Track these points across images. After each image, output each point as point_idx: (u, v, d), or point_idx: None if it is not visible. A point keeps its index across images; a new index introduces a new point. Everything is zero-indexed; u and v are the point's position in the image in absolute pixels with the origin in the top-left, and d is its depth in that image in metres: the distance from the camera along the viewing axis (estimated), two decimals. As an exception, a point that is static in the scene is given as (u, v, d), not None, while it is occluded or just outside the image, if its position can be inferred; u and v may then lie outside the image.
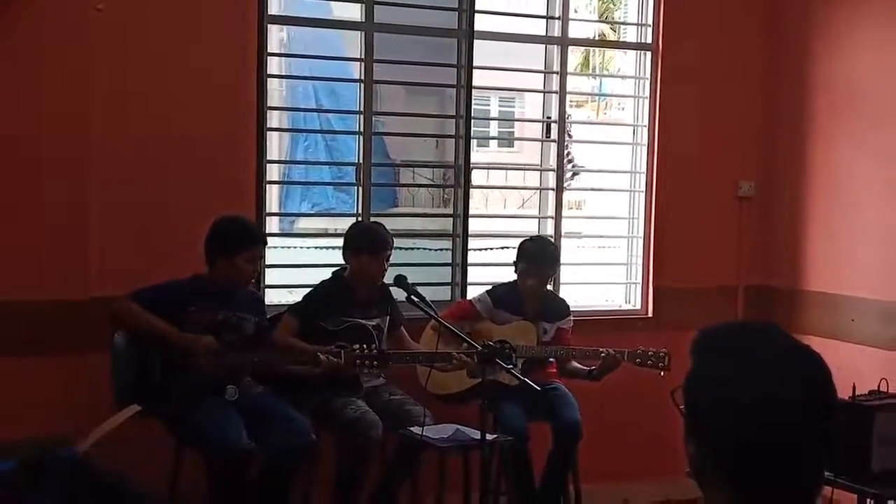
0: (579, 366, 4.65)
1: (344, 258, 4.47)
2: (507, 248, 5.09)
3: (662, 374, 4.40)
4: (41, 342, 4.24)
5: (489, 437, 3.85)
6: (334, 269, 4.54)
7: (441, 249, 5.20)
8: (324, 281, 4.51)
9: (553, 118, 5.32)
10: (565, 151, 5.40)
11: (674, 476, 4.17)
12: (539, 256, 4.66)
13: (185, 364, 3.98)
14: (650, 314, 5.46)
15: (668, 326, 5.05)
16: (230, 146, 4.57)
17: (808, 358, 1.51)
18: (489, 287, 4.80)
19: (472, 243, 5.17)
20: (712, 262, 5.51)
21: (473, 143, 5.17)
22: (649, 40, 5.44)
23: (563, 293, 5.10)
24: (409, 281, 4.08)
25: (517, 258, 4.70)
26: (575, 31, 5.47)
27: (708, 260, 5.49)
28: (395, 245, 4.49)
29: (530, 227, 5.45)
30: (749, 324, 1.68)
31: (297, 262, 5.17)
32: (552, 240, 5.11)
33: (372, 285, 4.44)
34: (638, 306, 5.51)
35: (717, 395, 1.49)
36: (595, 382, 4.57)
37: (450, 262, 5.12)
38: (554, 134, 5.33)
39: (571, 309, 4.85)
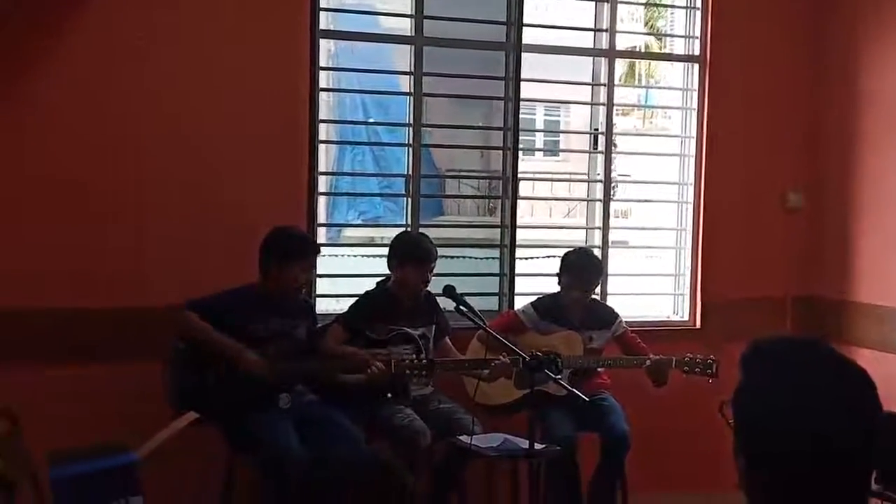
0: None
1: (389, 268, 4.52)
2: (553, 257, 5.10)
3: (710, 380, 4.40)
4: (100, 350, 4.34)
5: (537, 446, 3.87)
6: (378, 278, 4.60)
7: (488, 258, 5.22)
8: (369, 291, 4.56)
9: (600, 129, 5.35)
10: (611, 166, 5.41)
11: (723, 489, 4.16)
12: (583, 269, 4.67)
13: (240, 373, 4.06)
14: (698, 325, 5.45)
15: (717, 338, 5.04)
16: (283, 159, 4.65)
17: (856, 373, 1.54)
18: (534, 298, 4.83)
19: (517, 253, 5.18)
20: (760, 274, 5.48)
21: (520, 153, 5.20)
22: (697, 52, 5.44)
23: (610, 303, 5.09)
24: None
25: (561, 270, 4.70)
26: (621, 42, 5.49)
27: (756, 271, 5.47)
28: (441, 254, 4.54)
29: (577, 237, 5.47)
30: (797, 338, 1.70)
31: (344, 272, 5.22)
32: (596, 252, 5.10)
33: (415, 296, 4.50)
34: (686, 317, 5.50)
35: (767, 410, 1.51)
36: (662, 387, 4.57)
37: (497, 272, 5.15)
38: (601, 145, 5.35)
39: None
